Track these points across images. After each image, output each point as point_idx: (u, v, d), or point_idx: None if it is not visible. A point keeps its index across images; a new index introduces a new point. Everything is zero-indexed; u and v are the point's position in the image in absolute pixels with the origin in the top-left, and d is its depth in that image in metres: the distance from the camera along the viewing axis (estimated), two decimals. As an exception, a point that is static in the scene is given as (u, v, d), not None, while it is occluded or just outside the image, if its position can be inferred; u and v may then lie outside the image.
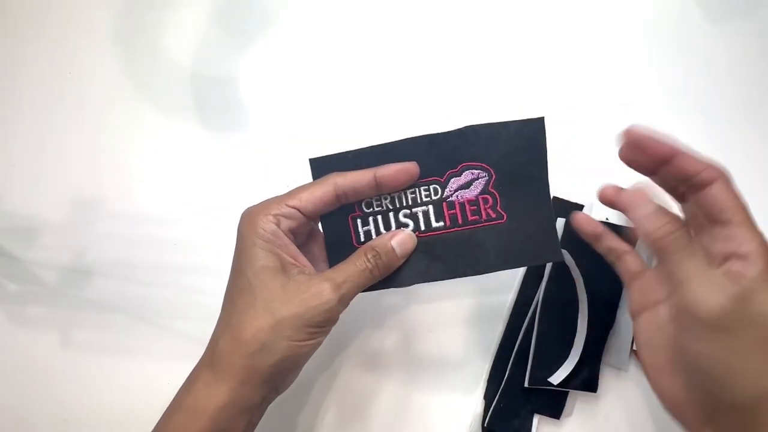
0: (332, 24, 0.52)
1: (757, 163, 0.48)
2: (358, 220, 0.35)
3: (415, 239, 0.35)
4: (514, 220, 0.35)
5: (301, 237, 0.36)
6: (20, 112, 0.51)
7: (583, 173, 0.48)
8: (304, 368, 0.36)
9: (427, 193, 0.35)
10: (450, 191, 0.35)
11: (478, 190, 0.35)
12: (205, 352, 0.34)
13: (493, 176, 0.34)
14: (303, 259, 0.34)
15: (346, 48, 0.51)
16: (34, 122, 0.51)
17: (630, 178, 0.50)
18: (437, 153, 0.34)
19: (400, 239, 0.34)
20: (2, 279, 0.48)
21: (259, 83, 0.51)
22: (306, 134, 0.50)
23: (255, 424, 0.34)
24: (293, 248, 0.33)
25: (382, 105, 0.50)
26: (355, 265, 0.33)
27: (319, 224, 0.37)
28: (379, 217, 0.35)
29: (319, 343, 0.33)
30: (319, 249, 0.37)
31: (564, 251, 0.43)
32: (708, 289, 0.28)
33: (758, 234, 0.28)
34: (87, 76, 0.51)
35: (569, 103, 0.49)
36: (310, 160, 0.35)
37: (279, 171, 0.49)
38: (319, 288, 0.32)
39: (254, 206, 0.34)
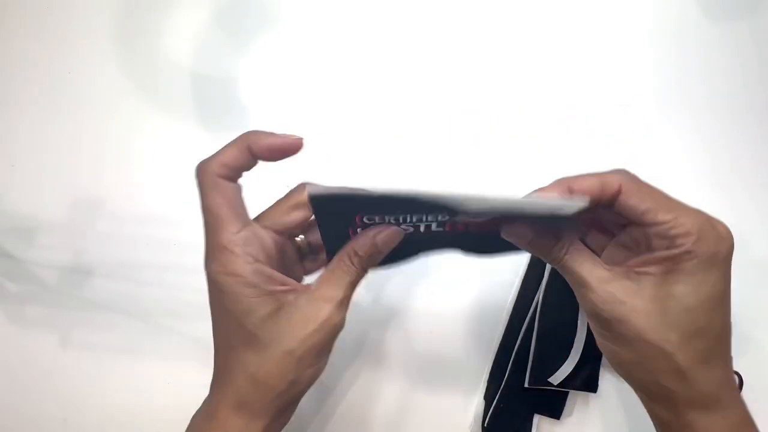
0: (332, 23, 0.52)
1: (758, 163, 0.48)
2: (359, 231, 0.33)
3: (402, 234, 0.32)
4: None
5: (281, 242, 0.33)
6: (20, 111, 0.51)
7: (582, 173, 0.48)
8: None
9: (434, 218, 0.33)
10: (458, 219, 0.33)
11: (486, 219, 0.33)
12: (222, 394, 0.32)
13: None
14: (291, 281, 0.32)
15: (346, 47, 0.51)
16: (34, 122, 0.51)
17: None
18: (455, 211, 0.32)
19: (386, 237, 0.32)
20: (2, 279, 0.48)
21: (259, 83, 0.51)
22: (306, 134, 0.50)
23: None
24: (278, 275, 0.31)
25: (382, 104, 0.50)
26: (345, 274, 0.31)
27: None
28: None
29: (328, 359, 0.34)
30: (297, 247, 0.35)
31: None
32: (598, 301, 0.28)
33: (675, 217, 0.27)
34: (87, 76, 0.51)
35: (569, 103, 0.49)
36: (311, 196, 0.31)
37: (279, 171, 0.49)
38: (326, 314, 0.30)
39: (213, 253, 0.30)
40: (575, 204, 0.27)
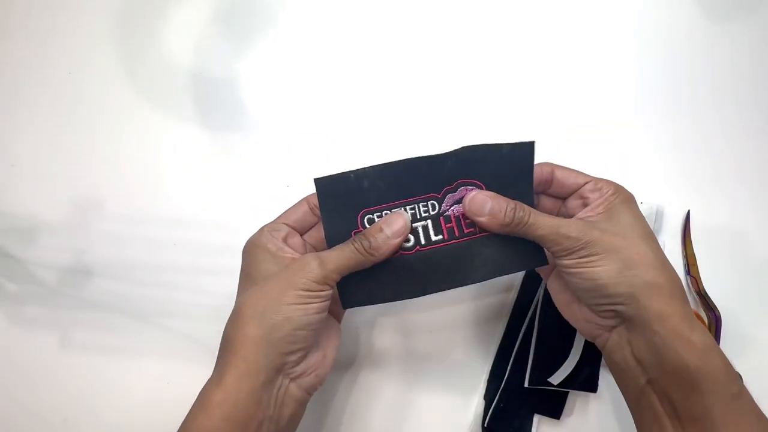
0: (332, 24, 0.52)
1: (758, 163, 0.48)
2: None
3: (407, 220, 0.36)
4: None
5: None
6: (20, 112, 0.51)
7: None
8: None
9: (426, 208, 0.36)
10: (446, 206, 0.36)
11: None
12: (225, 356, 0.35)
13: (484, 190, 0.36)
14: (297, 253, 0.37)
15: (345, 48, 0.51)
16: (33, 122, 0.51)
17: (625, 180, 0.49)
18: (435, 172, 0.36)
19: (388, 220, 0.35)
20: (2, 279, 0.48)
21: (259, 83, 0.51)
22: (306, 134, 0.50)
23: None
24: (290, 250, 0.37)
25: (381, 105, 0.50)
26: (344, 248, 0.35)
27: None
28: None
29: (318, 311, 0.34)
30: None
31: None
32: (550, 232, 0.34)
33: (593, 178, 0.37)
34: (87, 76, 0.52)
35: (568, 103, 0.49)
36: (315, 180, 0.36)
37: (279, 171, 0.49)
38: (304, 259, 0.34)
39: (251, 236, 0.37)
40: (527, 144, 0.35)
